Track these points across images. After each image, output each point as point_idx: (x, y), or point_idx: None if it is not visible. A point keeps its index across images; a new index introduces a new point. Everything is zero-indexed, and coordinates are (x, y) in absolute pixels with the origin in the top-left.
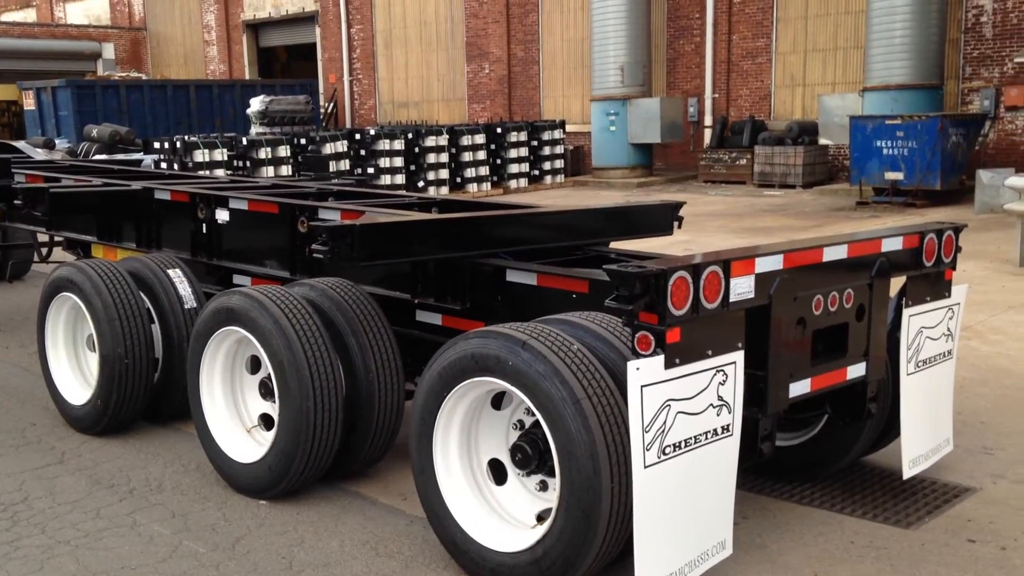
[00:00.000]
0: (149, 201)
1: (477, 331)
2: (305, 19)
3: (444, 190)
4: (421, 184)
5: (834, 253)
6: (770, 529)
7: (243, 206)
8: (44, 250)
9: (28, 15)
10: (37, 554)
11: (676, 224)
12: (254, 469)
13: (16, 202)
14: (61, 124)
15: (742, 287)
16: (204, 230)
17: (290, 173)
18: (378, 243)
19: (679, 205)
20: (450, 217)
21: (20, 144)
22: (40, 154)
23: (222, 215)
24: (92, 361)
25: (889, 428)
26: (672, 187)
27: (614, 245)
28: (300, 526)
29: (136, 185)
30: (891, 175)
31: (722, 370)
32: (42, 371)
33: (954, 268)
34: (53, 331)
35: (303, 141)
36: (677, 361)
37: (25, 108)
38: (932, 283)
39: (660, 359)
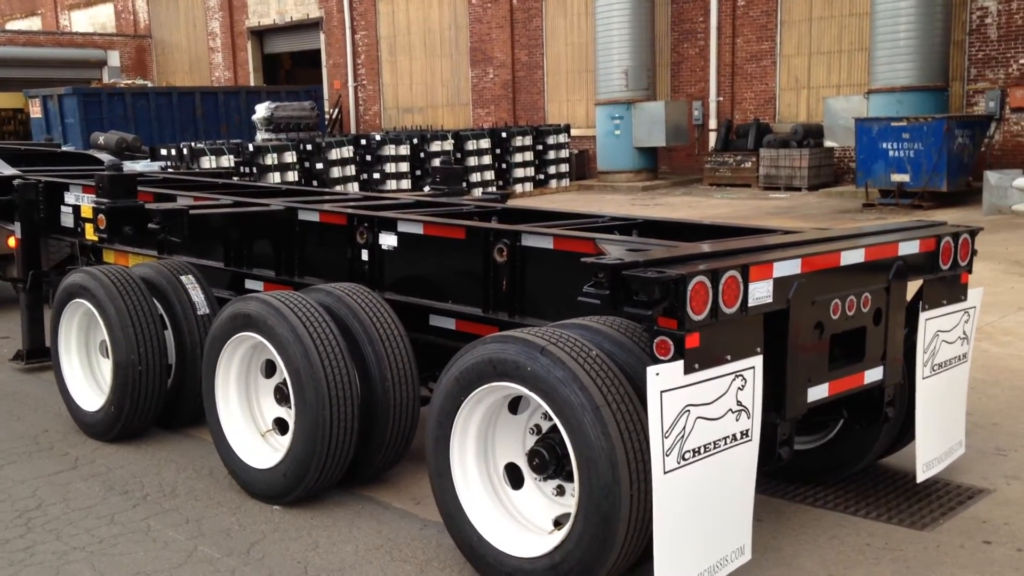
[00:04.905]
0: (293, 223)
1: (495, 336)
2: (309, 26)
3: None
4: (427, 189)
5: (852, 257)
6: (785, 532)
7: (417, 230)
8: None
9: (34, 23)
10: (52, 560)
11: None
12: (269, 475)
13: (152, 225)
14: (67, 132)
15: (761, 292)
16: (365, 257)
17: (296, 179)
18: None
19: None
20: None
21: (104, 157)
22: (126, 167)
23: (388, 240)
24: (105, 367)
25: (904, 431)
26: (677, 190)
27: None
28: (314, 531)
29: (276, 204)
30: (897, 177)
31: (741, 375)
32: (55, 378)
33: (970, 271)
34: (66, 338)
35: (309, 147)
36: (696, 366)
37: (31, 116)
38: (948, 286)
39: (679, 364)
